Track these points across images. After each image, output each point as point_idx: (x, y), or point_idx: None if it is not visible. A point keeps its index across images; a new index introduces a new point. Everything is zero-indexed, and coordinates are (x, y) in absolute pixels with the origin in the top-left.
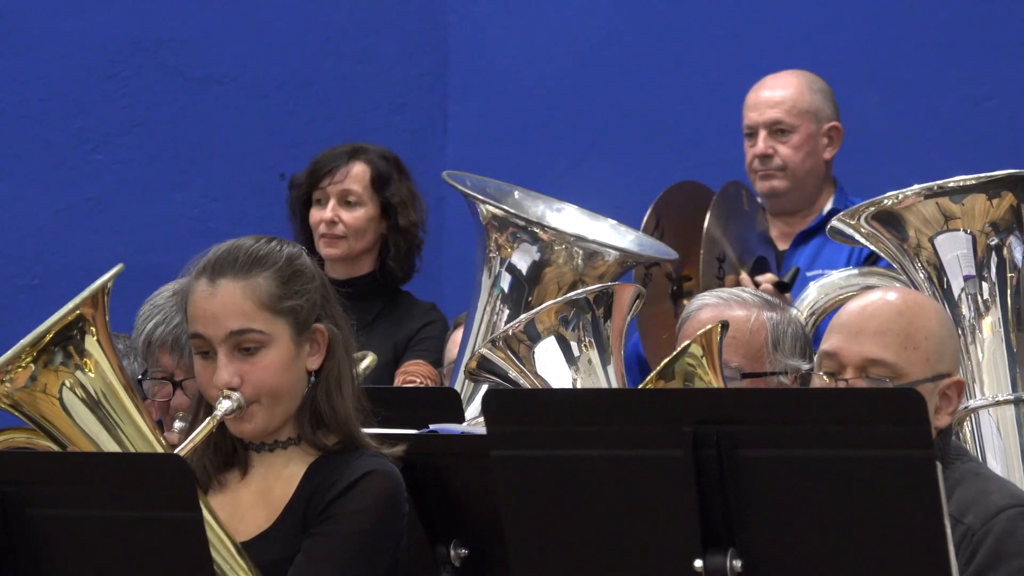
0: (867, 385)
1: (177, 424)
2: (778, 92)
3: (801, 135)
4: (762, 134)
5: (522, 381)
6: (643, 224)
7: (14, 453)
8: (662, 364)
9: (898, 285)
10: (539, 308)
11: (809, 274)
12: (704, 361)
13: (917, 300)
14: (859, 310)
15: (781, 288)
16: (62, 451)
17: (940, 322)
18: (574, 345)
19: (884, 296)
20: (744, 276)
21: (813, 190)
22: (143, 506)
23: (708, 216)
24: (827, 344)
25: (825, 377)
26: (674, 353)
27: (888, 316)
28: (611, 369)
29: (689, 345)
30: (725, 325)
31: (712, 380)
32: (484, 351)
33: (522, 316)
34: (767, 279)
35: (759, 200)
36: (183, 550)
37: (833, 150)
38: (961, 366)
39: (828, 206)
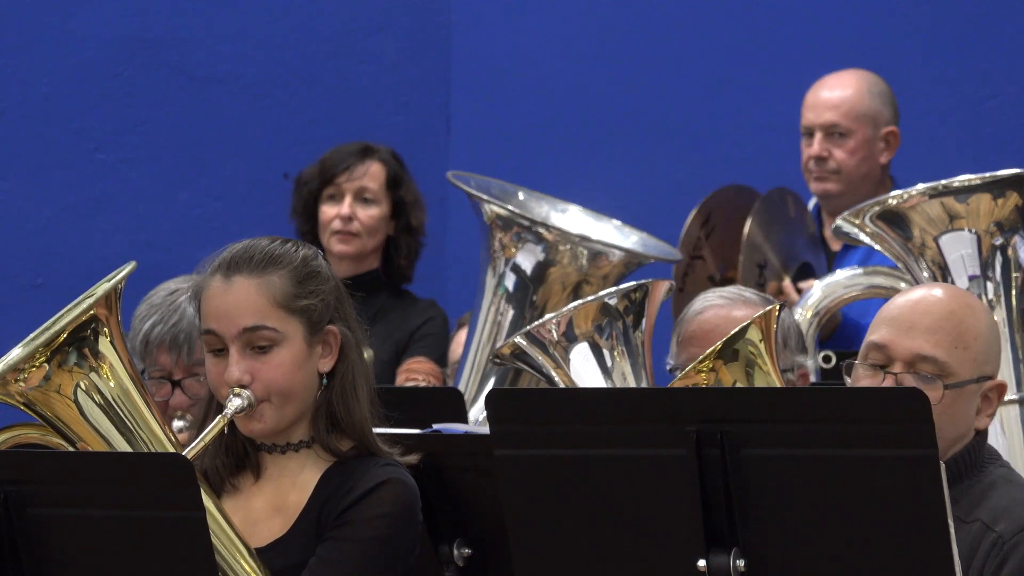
0: (914, 381)
1: (176, 423)
2: (836, 93)
3: (857, 140)
4: (818, 136)
5: (556, 378)
6: (686, 226)
7: (17, 452)
8: (720, 344)
9: (950, 284)
10: (577, 305)
11: None
12: (762, 347)
13: (968, 301)
14: (911, 305)
15: None
16: (65, 450)
17: (988, 324)
18: (607, 354)
19: (937, 293)
20: (787, 283)
21: (867, 193)
22: (146, 505)
23: (749, 222)
24: (876, 336)
25: (871, 368)
26: (733, 332)
27: (941, 314)
28: (644, 384)
29: (748, 327)
30: (782, 307)
31: (771, 369)
32: (521, 341)
33: (562, 311)
34: (809, 285)
35: (816, 202)
36: (186, 549)
37: (890, 154)
38: None
39: None
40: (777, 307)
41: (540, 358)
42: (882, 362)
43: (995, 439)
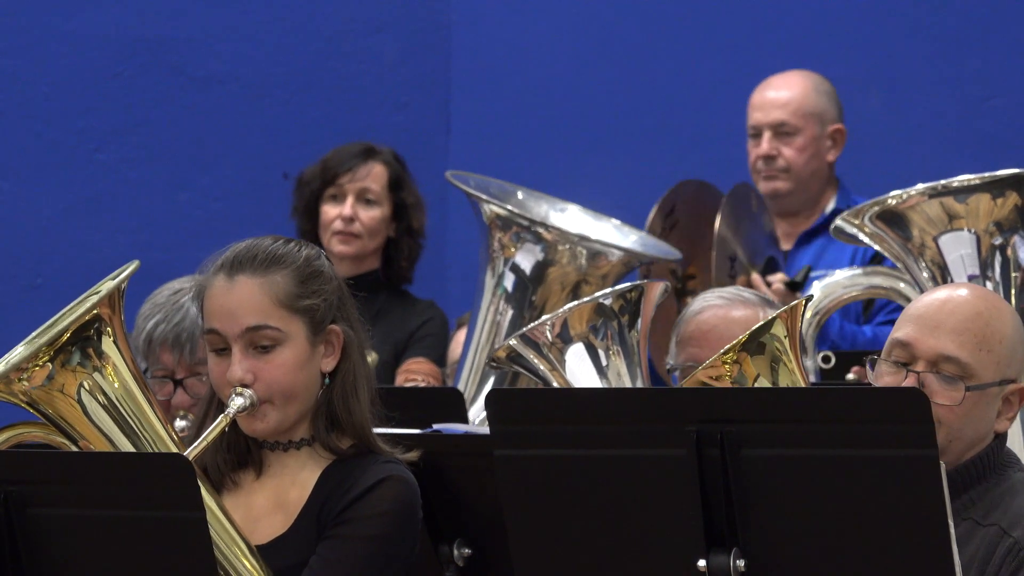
0: (937, 381)
1: (178, 423)
2: (783, 93)
3: (805, 137)
4: (766, 135)
5: (552, 380)
6: (650, 219)
7: (17, 452)
8: (745, 335)
9: (979, 285)
10: (572, 306)
11: (813, 274)
12: (787, 343)
13: (996, 303)
14: (939, 304)
15: (792, 287)
16: (65, 451)
17: (1014, 326)
18: (602, 354)
19: (965, 294)
20: (755, 276)
21: (816, 191)
22: (146, 505)
23: (719, 217)
24: (901, 333)
25: (894, 365)
26: (758, 325)
27: (967, 315)
28: (639, 383)
29: (774, 321)
30: (809, 299)
31: (795, 367)
32: (515, 343)
33: (557, 312)
34: (778, 279)
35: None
36: (186, 549)
37: (836, 152)
38: None
39: (831, 206)
40: (803, 302)
41: (535, 360)
42: (905, 360)
43: None
